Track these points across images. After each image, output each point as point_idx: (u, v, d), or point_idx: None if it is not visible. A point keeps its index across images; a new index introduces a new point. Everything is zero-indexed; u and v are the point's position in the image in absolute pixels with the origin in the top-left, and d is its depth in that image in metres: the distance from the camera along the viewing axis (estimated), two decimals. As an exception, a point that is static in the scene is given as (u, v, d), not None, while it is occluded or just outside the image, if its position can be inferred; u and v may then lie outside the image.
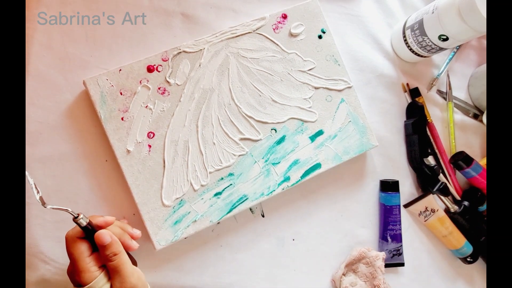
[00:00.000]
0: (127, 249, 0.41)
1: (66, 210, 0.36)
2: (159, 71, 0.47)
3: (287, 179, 0.49)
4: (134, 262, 0.45)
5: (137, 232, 0.43)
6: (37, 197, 0.35)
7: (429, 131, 0.57)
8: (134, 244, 0.42)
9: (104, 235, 0.37)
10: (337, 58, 0.52)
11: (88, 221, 0.37)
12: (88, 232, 0.37)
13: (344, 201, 0.54)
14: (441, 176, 0.55)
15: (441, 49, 0.51)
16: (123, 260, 0.37)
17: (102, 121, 0.45)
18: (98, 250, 0.37)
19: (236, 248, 0.50)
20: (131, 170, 0.45)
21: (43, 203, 0.35)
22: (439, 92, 0.59)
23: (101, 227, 0.38)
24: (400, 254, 0.54)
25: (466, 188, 0.58)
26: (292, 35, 0.51)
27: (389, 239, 0.53)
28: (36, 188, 0.35)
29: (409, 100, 0.57)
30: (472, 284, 0.57)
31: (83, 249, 0.37)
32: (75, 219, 0.36)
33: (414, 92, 0.57)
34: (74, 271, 0.37)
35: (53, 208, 0.36)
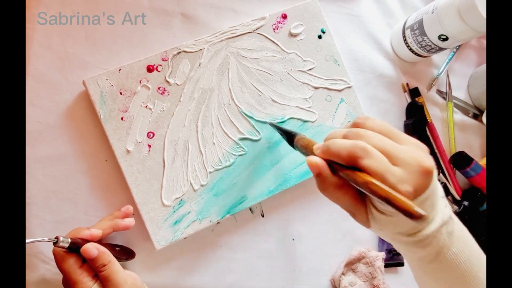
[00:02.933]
0: (124, 230, 0.41)
1: (43, 240, 0.35)
2: (159, 71, 0.47)
3: (287, 179, 0.49)
4: (133, 254, 0.45)
5: (129, 208, 0.43)
6: None
7: (428, 131, 0.57)
8: (129, 221, 0.42)
9: (90, 249, 0.36)
10: (336, 58, 0.52)
11: (69, 241, 0.36)
12: (75, 249, 0.37)
13: (344, 201, 0.54)
14: (441, 176, 0.55)
15: (441, 49, 0.51)
16: (114, 269, 0.37)
17: (101, 121, 0.45)
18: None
19: (236, 248, 0.50)
20: (131, 170, 0.45)
21: None
22: (439, 92, 0.59)
23: (88, 240, 0.38)
24: (400, 254, 0.54)
25: (466, 188, 0.58)
26: (292, 35, 0.51)
27: (389, 239, 0.53)
28: None
29: (409, 100, 0.57)
30: (472, 284, 0.57)
31: (72, 262, 0.36)
32: (55, 244, 0.35)
33: (414, 92, 0.57)
34: (68, 284, 0.37)
35: (27, 243, 0.35)
